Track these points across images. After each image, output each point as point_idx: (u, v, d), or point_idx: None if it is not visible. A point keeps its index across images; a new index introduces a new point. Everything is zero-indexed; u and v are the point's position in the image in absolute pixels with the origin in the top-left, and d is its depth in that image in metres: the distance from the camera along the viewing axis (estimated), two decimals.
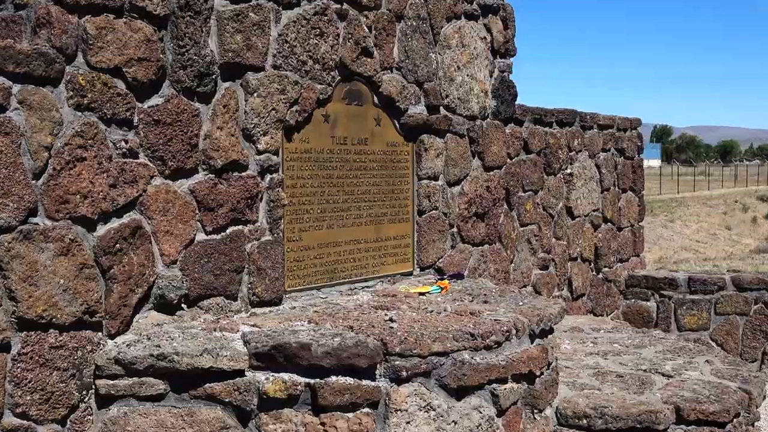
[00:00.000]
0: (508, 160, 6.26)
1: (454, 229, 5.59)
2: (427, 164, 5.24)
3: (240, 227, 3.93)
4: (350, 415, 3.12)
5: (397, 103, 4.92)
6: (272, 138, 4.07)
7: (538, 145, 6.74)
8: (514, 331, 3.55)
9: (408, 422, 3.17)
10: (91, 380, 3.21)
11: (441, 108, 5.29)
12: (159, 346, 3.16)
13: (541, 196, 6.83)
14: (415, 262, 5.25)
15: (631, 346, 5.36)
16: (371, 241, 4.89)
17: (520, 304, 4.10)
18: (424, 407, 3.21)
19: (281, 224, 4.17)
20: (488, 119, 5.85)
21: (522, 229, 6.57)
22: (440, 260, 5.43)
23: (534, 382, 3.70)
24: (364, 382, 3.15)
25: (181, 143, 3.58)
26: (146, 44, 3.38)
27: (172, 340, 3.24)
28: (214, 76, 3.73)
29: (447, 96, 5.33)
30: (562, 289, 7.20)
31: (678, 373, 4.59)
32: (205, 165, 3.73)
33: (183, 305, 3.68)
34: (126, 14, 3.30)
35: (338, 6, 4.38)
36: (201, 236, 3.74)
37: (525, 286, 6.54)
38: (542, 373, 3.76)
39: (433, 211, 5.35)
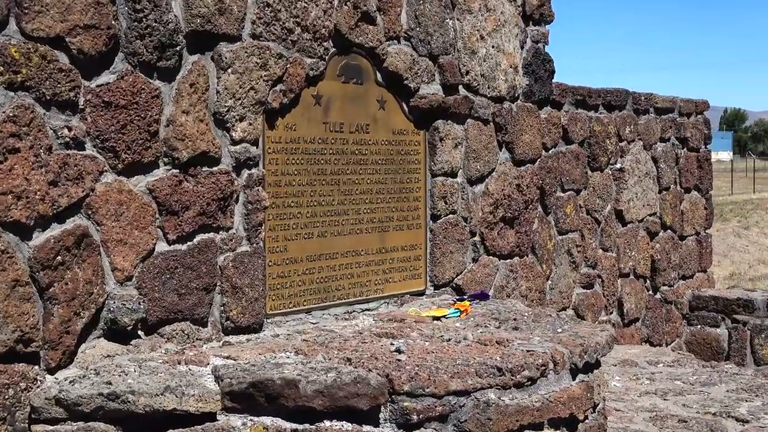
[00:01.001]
0: (544, 152, 6.25)
1: (477, 238, 5.57)
2: (442, 157, 5.24)
3: (210, 235, 3.93)
4: None
5: (406, 81, 4.92)
6: (250, 124, 4.07)
7: (581, 134, 6.74)
8: (551, 365, 3.53)
9: None
10: (26, 425, 3.19)
11: (460, 87, 5.29)
12: (110, 383, 3.15)
13: (584, 197, 6.81)
14: (428, 278, 5.24)
15: (696, 383, 5.35)
16: (374, 253, 4.88)
17: (559, 331, 4.09)
18: None
19: (261, 231, 4.16)
20: (519, 101, 5.85)
21: (560, 238, 6.56)
22: (459, 276, 5.41)
23: (576, 429, 3.67)
24: (365, 428, 3.13)
25: (138, 131, 3.58)
26: (95, 8, 3.38)
27: (127, 375, 3.23)
28: (178, 48, 3.72)
29: (467, 72, 5.33)
30: (611, 313, 7.19)
31: (756, 418, 4.57)
32: (167, 158, 3.73)
33: (140, 332, 3.67)
34: None
35: None
36: (162, 246, 3.74)
37: (564, 309, 6.52)
38: (586, 417, 3.73)
39: (451, 216, 5.34)
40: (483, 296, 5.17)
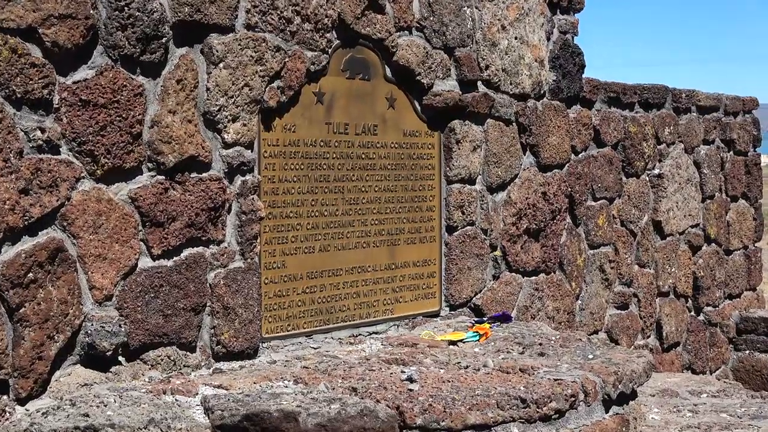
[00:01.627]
0: (573, 156, 6.24)
1: (498, 253, 5.56)
2: (459, 162, 5.23)
3: (200, 249, 3.93)
4: None
5: (418, 77, 4.92)
6: (245, 125, 4.07)
7: (615, 135, 6.72)
8: (581, 396, 3.52)
9: None
10: None
11: (479, 83, 5.29)
12: (87, 416, 3.13)
13: (618, 207, 6.79)
14: (443, 298, 5.23)
15: (745, 416, 5.30)
16: (382, 269, 4.88)
17: (590, 357, 4.08)
18: None
19: (257, 245, 4.16)
20: (545, 99, 5.84)
21: (592, 252, 6.53)
22: (478, 296, 5.40)
23: None
24: None
25: (119, 133, 3.58)
26: None
27: (106, 407, 3.21)
28: (164, 40, 3.73)
29: (487, 67, 5.32)
30: (648, 336, 7.15)
31: None
32: (151, 163, 3.73)
33: (121, 358, 3.66)
34: None
35: None
36: (146, 262, 3.73)
37: (596, 332, 6.49)
38: None
39: (469, 228, 5.33)
40: (505, 318, 5.15)
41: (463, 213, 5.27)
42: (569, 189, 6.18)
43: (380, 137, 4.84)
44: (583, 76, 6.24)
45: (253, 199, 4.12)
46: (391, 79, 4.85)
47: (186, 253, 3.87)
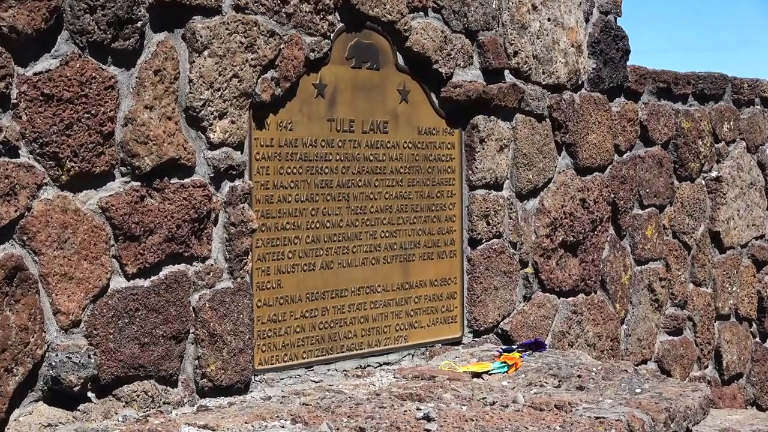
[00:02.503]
0: (616, 156, 6.21)
1: (529, 270, 5.54)
2: (483, 164, 5.21)
3: (181, 267, 3.92)
4: None
5: (435, 66, 4.91)
6: (233, 123, 4.07)
7: (665, 133, 6.69)
8: None
9: None
10: None
11: (506, 73, 5.28)
12: None
13: (669, 215, 6.76)
14: (466, 322, 5.21)
15: None
16: (394, 289, 4.87)
17: (637, 391, 4.05)
18: None
19: (248, 262, 4.15)
20: (583, 90, 5.82)
21: (639, 268, 6.50)
22: (506, 320, 5.38)
23: None
24: None
25: (88, 132, 3.58)
26: None
27: None
28: (139, 24, 3.72)
29: (516, 53, 5.32)
30: (706, 367, 7.11)
31: None
32: (125, 167, 3.73)
33: (90, 394, 3.65)
34: None
35: None
36: (119, 282, 3.72)
37: (644, 362, 6.45)
38: None
39: (494, 241, 5.32)
40: (537, 345, 5.13)
41: (488, 223, 5.25)
42: (612, 195, 6.15)
43: (391, 136, 4.83)
44: (628, 63, 6.21)
45: (243, 208, 4.11)
46: (403, 68, 4.84)
47: (165, 271, 3.86)
